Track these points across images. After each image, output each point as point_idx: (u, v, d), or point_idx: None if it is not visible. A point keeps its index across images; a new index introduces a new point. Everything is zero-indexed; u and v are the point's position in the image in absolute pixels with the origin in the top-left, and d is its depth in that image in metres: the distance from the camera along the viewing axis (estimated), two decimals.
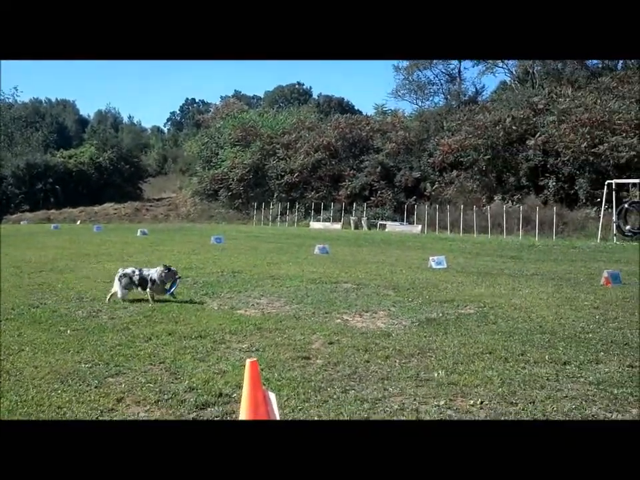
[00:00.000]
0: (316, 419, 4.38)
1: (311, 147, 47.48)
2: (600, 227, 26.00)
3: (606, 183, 26.35)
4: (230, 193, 51.28)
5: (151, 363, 5.85)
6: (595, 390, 5.09)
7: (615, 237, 24.75)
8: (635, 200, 25.00)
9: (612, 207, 25.36)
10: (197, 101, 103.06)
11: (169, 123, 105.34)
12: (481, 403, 4.74)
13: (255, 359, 4.06)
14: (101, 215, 53.72)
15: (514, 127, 35.67)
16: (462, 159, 38.17)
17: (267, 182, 49.42)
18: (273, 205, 47.63)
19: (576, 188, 32.08)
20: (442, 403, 4.74)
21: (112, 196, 59.12)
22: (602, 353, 6.29)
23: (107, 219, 51.62)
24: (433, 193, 39.02)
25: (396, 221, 38.96)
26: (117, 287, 9.43)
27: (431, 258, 14.96)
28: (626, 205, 24.53)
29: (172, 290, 9.52)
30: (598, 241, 25.08)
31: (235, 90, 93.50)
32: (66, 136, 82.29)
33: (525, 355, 6.15)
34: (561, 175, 33.06)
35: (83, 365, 5.73)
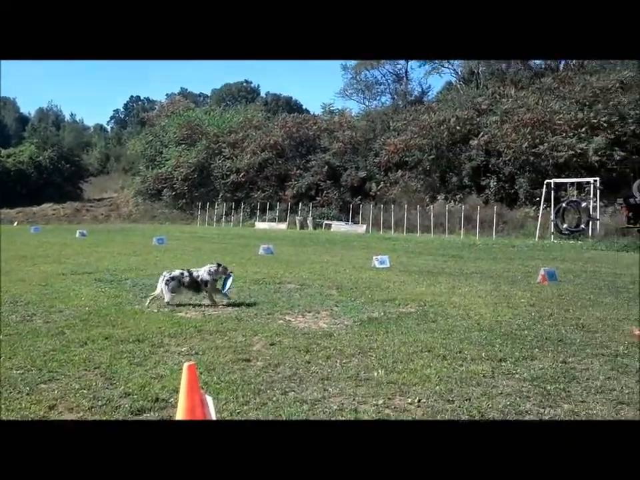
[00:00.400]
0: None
1: (258, 146, 47.27)
2: (538, 225, 26.74)
3: (545, 182, 27.10)
4: (174, 193, 50.57)
5: (85, 368, 5.69)
6: (529, 386, 5.20)
7: (552, 236, 25.49)
8: (573, 199, 25.80)
9: (550, 206, 26.11)
10: (141, 98, 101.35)
11: (113, 121, 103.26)
12: (419, 401, 4.79)
13: (192, 362, 4.00)
14: (40, 216, 52.17)
15: (458, 127, 36.33)
16: (407, 159, 38.65)
17: (212, 181, 48.93)
18: (217, 204, 47.19)
19: (516, 187, 32.90)
20: (380, 402, 4.77)
21: (51, 196, 57.48)
22: (537, 350, 6.45)
23: (45, 220, 50.17)
24: (378, 192, 39.39)
25: (341, 220, 39.16)
26: (163, 291, 8.99)
27: (374, 257, 15.09)
28: (564, 204, 25.30)
29: (227, 288, 9.31)
30: (536, 239, 25.79)
31: (181, 87, 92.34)
32: (5, 135, 79.69)
33: (463, 353, 6.25)
34: (501, 175, 33.84)
35: (15, 372, 5.53)
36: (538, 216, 27.44)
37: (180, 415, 3.96)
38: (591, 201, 24.98)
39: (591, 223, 24.55)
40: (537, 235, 26.29)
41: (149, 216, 50.68)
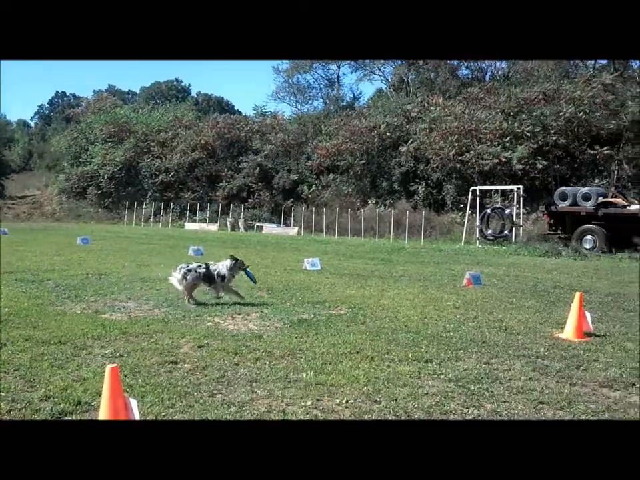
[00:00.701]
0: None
1: (188, 145, 46.57)
2: (464, 230, 27.47)
3: (471, 189, 27.85)
4: (100, 192, 49.18)
5: (4, 370, 5.44)
6: (454, 386, 5.32)
7: (477, 241, 26.22)
8: (497, 206, 26.62)
9: (476, 212, 26.86)
10: (67, 94, 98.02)
11: (37, 116, 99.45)
12: (347, 401, 4.82)
13: (115, 365, 3.89)
14: None
15: (388, 134, 36.89)
16: (338, 163, 38.93)
17: (140, 181, 47.85)
18: (146, 204, 46.19)
19: (443, 193, 33.69)
20: (309, 403, 4.77)
21: None
22: (461, 351, 6.61)
23: None
24: (310, 195, 39.50)
25: (273, 222, 39.07)
26: (178, 283, 8.99)
27: (305, 260, 15.12)
28: (488, 211, 26.06)
29: (253, 278, 9.71)
30: (462, 244, 26.47)
31: (109, 84, 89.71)
32: None
33: (390, 354, 6.34)
34: (430, 181, 34.58)
35: None
36: (464, 221, 28.19)
37: (103, 418, 3.85)
38: (514, 208, 25.85)
39: (514, 229, 25.40)
40: (463, 240, 27.00)
41: (74, 215, 49.06)
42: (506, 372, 5.86)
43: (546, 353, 6.64)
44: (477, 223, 26.35)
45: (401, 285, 12.06)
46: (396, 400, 4.86)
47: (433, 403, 4.82)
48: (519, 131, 30.49)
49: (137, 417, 3.85)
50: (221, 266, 9.20)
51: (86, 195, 50.52)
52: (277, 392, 5.05)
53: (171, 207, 44.65)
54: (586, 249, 21.58)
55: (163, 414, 4.43)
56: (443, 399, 4.95)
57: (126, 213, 46.06)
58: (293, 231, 35.80)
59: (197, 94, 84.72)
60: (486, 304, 9.92)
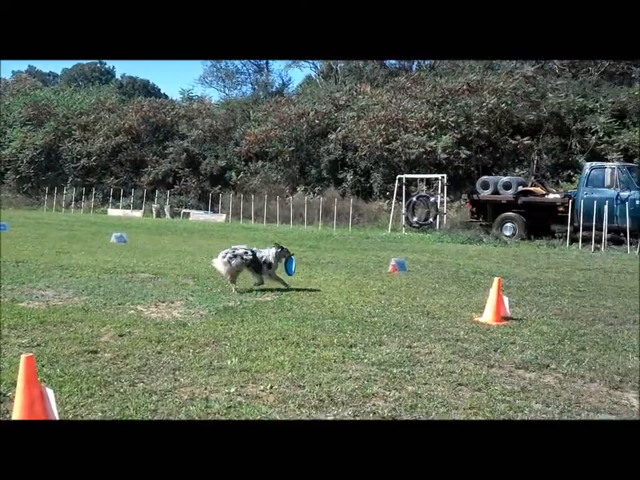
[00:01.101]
0: (97, 417, 4.15)
1: (111, 129, 45.12)
2: (391, 218, 27.91)
3: (397, 177, 28.29)
4: (18, 176, 47.04)
5: None
6: (377, 370, 5.42)
7: (403, 228, 26.71)
8: (422, 194, 27.16)
9: (402, 200, 27.33)
10: None
11: None
12: (271, 387, 4.83)
13: (30, 354, 3.75)
14: None
15: (317, 121, 36.93)
16: (267, 150, 38.71)
17: (60, 165, 46.07)
18: (67, 190, 44.55)
19: (371, 182, 34.07)
20: (233, 390, 4.75)
21: None
22: (385, 336, 6.73)
23: None
24: (238, 182, 39.12)
25: (200, 209, 38.51)
26: (221, 267, 8.89)
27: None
28: (414, 199, 26.57)
29: (292, 270, 9.47)
30: (389, 231, 26.91)
31: (29, 65, 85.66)
32: None
33: (316, 339, 6.39)
34: (358, 169, 34.88)
35: None
36: (391, 209, 28.63)
37: (17, 409, 3.71)
38: (439, 196, 26.46)
39: (438, 216, 26.00)
40: (389, 227, 27.44)
41: None
42: (427, 355, 6.01)
43: (465, 336, 6.84)
44: (403, 211, 26.83)
45: (328, 272, 12.15)
46: (320, 384, 4.91)
47: (356, 387, 4.89)
48: (444, 120, 31.15)
49: (54, 408, 3.73)
50: (267, 253, 9.19)
51: (3, 180, 48.25)
52: (201, 379, 5.00)
53: (93, 192, 43.25)
54: (506, 236, 22.34)
55: (81, 404, 4.31)
56: (365, 382, 5.04)
57: (46, 198, 44.32)
58: (220, 217, 35.41)
59: (121, 76, 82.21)
60: (410, 289, 10.13)
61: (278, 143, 38.02)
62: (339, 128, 35.53)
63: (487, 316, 7.76)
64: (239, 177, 39.67)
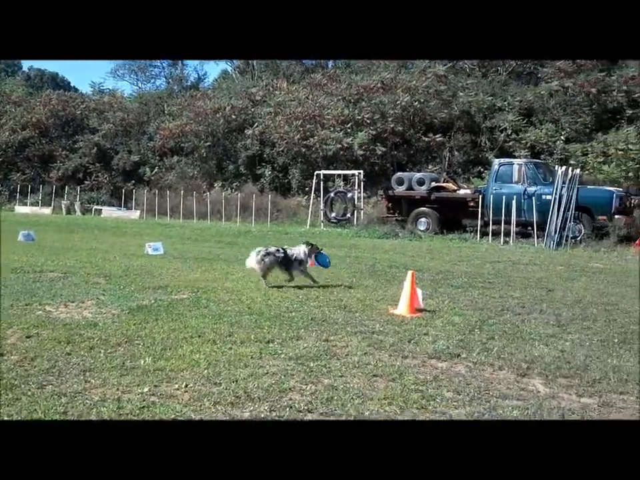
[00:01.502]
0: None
1: (18, 123, 43.02)
2: (310, 214, 28.02)
3: (315, 173, 28.45)
4: None
5: None
6: (294, 364, 5.43)
7: (322, 223, 26.88)
8: (340, 190, 27.39)
9: (320, 196, 27.49)
10: None
11: None
12: (186, 386, 4.75)
13: None
14: None
15: (234, 116, 36.57)
16: (183, 145, 38.00)
17: None
18: None
19: (289, 177, 34.09)
20: (146, 390, 4.64)
21: None
22: (302, 330, 6.76)
23: None
24: (152, 177, 38.21)
25: (113, 205, 37.37)
26: (258, 266, 9.34)
27: (147, 244, 14.64)
28: (332, 194, 26.77)
29: (327, 262, 10.25)
30: (308, 226, 27.00)
31: None
32: None
33: (233, 336, 6.33)
34: (276, 165, 34.82)
35: None
36: (309, 205, 28.75)
37: None
38: (356, 192, 26.77)
39: (355, 212, 26.32)
40: (308, 223, 27.53)
41: None
42: (343, 348, 6.07)
43: (381, 329, 6.96)
44: (322, 206, 26.99)
45: (246, 268, 12.03)
46: (236, 381, 4.87)
47: (273, 382, 4.89)
48: (359, 117, 31.55)
49: None
50: (298, 251, 9.63)
51: None
52: (112, 380, 4.86)
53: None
54: (420, 230, 22.89)
55: None
56: (282, 377, 5.04)
57: None
58: (134, 214, 34.47)
59: (28, 69, 78.36)
60: (327, 284, 10.20)
61: (194, 138, 37.39)
62: (256, 123, 35.33)
63: (402, 308, 7.92)
64: (154, 172, 38.75)
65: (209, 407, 4.31)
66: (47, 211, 37.53)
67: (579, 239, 19.71)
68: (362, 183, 27.17)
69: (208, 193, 34.15)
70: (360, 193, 27.06)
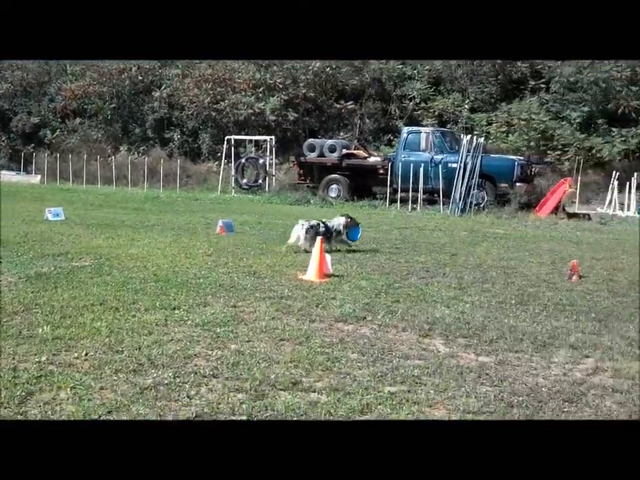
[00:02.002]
0: None
1: None
2: (220, 180, 27.58)
3: (226, 138, 27.96)
4: None
5: None
6: (200, 331, 5.37)
7: (233, 190, 26.55)
8: (251, 156, 27.08)
9: (231, 162, 27.09)
10: None
11: None
12: (86, 354, 4.61)
13: None
14: None
15: (140, 77, 35.20)
16: (86, 107, 36.33)
17: None
18: None
19: (199, 142, 33.34)
20: (44, 358, 4.48)
21: None
22: (210, 296, 6.69)
23: None
24: (54, 140, 36.39)
25: (12, 170, 35.37)
26: (301, 239, 9.92)
27: (47, 209, 13.98)
28: (243, 160, 26.41)
29: (358, 236, 10.87)
30: (219, 193, 26.60)
31: None
32: None
33: (137, 304, 6.18)
34: (185, 129, 33.93)
35: None
36: (220, 170, 28.29)
37: None
38: (268, 158, 26.55)
39: (267, 178, 26.15)
40: (219, 189, 27.11)
41: None
42: (251, 313, 6.07)
43: (289, 294, 6.99)
44: (232, 172, 26.62)
45: (152, 234, 11.77)
46: (139, 348, 4.77)
47: (178, 349, 4.82)
48: (271, 82, 31.16)
49: None
50: (337, 223, 10.41)
51: None
52: (8, 349, 4.65)
53: None
54: (331, 197, 23.04)
55: None
56: (188, 343, 4.98)
57: None
58: (35, 179, 32.76)
59: None
60: (237, 250, 10.13)
61: (98, 100, 35.80)
62: (164, 85, 34.21)
63: (311, 274, 7.98)
64: (55, 135, 36.88)
65: (109, 375, 4.20)
66: None
67: (482, 205, 20.43)
68: (274, 149, 26.96)
69: (113, 157, 32.91)
70: (272, 159, 26.87)
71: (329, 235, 10.18)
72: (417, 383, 4.36)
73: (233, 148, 27.33)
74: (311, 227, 10.11)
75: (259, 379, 4.26)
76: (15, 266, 7.97)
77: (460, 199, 20.03)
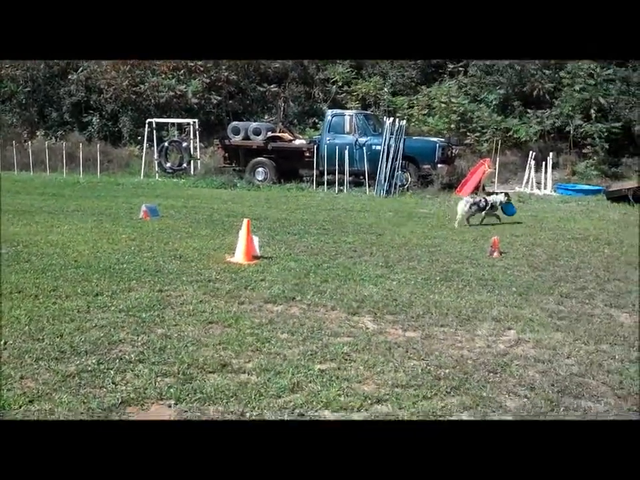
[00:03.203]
0: None
1: None
2: (143, 164, 26.86)
3: (147, 121, 27.24)
4: None
5: None
6: (125, 316, 5.24)
7: (157, 174, 25.94)
8: (175, 139, 26.48)
9: (154, 145, 26.44)
10: None
11: None
12: (5, 343, 4.42)
13: None
14: None
15: (55, 61, 33.79)
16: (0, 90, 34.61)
17: None
18: None
19: (120, 126, 32.33)
20: None
21: None
22: (134, 282, 6.52)
23: None
24: None
25: None
26: (464, 213, 11.69)
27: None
28: (166, 144, 25.77)
29: (513, 211, 12.62)
30: (142, 177, 25.93)
31: None
32: None
33: (57, 290, 5.97)
34: (104, 113, 32.81)
35: None
36: (142, 154, 27.56)
37: None
38: (192, 141, 26.05)
39: (192, 162, 25.67)
40: (142, 173, 26.42)
41: None
42: (178, 297, 5.96)
43: (217, 277, 6.92)
44: (155, 156, 25.98)
45: (73, 220, 11.35)
46: (61, 336, 4.62)
47: (102, 335, 4.69)
48: (192, 65, 30.52)
49: None
50: (495, 199, 12.13)
51: None
52: None
53: None
54: (258, 180, 22.86)
55: None
56: (112, 329, 4.85)
57: None
58: None
59: None
60: (162, 234, 9.91)
61: (11, 83, 34.13)
62: (81, 68, 32.93)
63: (238, 256, 7.91)
64: None
65: (30, 364, 4.04)
66: None
67: (406, 186, 20.76)
68: (197, 132, 26.47)
69: (30, 143, 31.52)
70: (196, 142, 26.38)
71: (485, 208, 11.89)
72: (346, 360, 4.41)
73: (154, 131, 26.64)
74: (474, 202, 11.93)
75: (187, 363, 4.20)
76: None
77: (385, 181, 20.29)
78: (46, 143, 31.16)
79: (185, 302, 5.79)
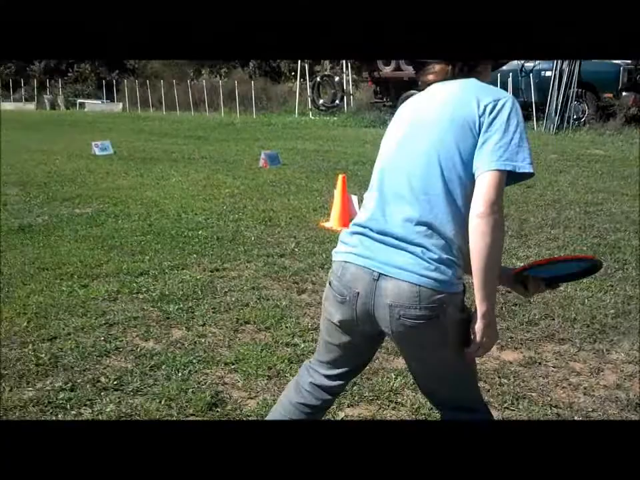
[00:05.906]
0: None
1: None
2: (297, 101, 26.16)
3: None
4: None
5: None
6: (150, 308, 4.34)
7: (310, 112, 25.13)
8: (327, 73, 25.34)
9: (306, 81, 25.53)
10: None
11: None
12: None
13: None
14: None
15: None
16: None
17: None
18: None
19: (278, 60, 31.93)
20: None
21: None
22: (195, 255, 5.63)
23: None
24: (137, 65, 36.14)
25: (99, 98, 35.61)
26: None
27: (93, 143, 13.30)
28: (318, 79, 24.74)
29: None
30: (296, 115, 25.31)
31: None
32: None
33: (98, 268, 5.15)
34: None
35: None
36: (296, 91, 26.83)
37: None
38: (344, 75, 24.73)
39: (344, 97, 24.46)
40: (296, 112, 25.78)
41: None
42: (230, 281, 4.93)
43: (296, 249, 5.82)
44: (309, 93, 25.12)
45: (189, 170, 10.78)
46: (53, 339, 3.77)
47: (102, 338, 3.77)
48: None
49: None
50: None
51: None
52: None
53: None
54: None
55: None
56: (119, 330, 3.92)
57: None
58: (117, 107, 32.82)
59: None
60: (269, 188, 8.97)
61: None
62: None
63: (333, 221, 6.72)
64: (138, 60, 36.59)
65: None
66: (31, 106, 35.96)
67: (582, 120, 17.97)
68: (349, 64, 25.04)
69: (195, 81, 32.19)
70: (349, 75, 25.02)
71: None
72: None
73: (307, 65, 25.68)
74: None
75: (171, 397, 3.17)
76: (17, 212, 7.25)
77: (556, 113, 17.66)
78: (211, 81, 31.58)
79: (233, 288, 4.75)
